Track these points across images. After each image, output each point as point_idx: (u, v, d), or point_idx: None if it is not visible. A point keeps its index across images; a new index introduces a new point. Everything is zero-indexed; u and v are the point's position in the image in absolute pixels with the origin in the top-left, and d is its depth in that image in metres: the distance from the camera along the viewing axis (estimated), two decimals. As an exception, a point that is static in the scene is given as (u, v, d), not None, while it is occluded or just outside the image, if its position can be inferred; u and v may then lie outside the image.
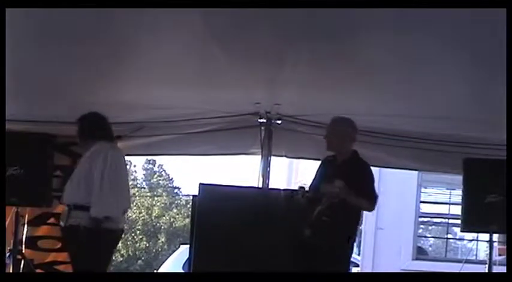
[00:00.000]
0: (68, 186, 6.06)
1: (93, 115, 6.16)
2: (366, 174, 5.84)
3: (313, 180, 6.15)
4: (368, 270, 11.92)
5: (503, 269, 5.61)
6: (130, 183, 29.13)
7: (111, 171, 5.85)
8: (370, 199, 5.78)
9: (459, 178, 7.41)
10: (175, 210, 28.24)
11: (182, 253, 10.38)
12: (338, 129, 5.95)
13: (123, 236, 6.34)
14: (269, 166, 7.56)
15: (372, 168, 5.97)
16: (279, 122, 7.27)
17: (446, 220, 19.32)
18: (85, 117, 6.15)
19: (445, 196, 17.82)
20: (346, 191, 5.61)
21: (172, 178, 30.62)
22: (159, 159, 29.24)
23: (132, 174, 28.53)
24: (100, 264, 5.77)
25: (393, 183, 13.55)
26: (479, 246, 15.00)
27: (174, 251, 12.71)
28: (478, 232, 9.44)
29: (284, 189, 7.88)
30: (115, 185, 5.85)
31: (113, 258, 5.99)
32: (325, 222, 5.66)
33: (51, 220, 7.22)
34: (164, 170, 29.94)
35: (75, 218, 5.81)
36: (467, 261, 10.90)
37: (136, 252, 26.46)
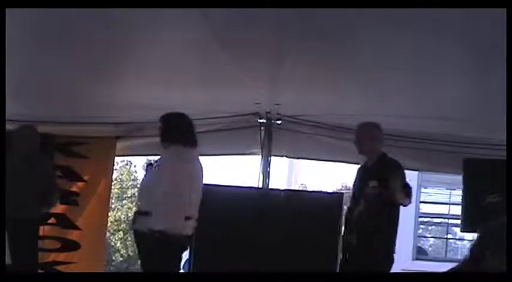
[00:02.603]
0: (138, 191, 5.90)
1: (175, 116, 5.79)
2: (397, 171, 5.87)
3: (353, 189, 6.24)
4: (368, 270, 11.91)
5: (503, 269, 5.60)
6: (130, 183, 28.62)
7: (175, 185, 5.53)
8: (405, 192, 5.83)
9: (459, 178, 7.41)
10: (175, 210, 28.21)
11: (182, 253, 10.36)
12: (364, 133, 6.02)
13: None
14: (269, 166, 7.57)
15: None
16: (279, 122, 7.27)
17: (446, 220, 19.33)
18: (166, 117, 5.78)
19: (445, 196, 17.83)
20: (380, 189, 5.68)
21: (172, 178, 30.51)
22: (160, 159, 29.18)
23: (132, 174, 28.48)
24: (164, 268, 5.53)
25: (393, 183, 13.51)
26: (479, 246, 14.96)
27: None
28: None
29: (284, 190, 7.90)
30: (177, 194, 5.51)
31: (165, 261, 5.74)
32: (366, 225, 5.72)
33: (51, 220, 7.21)
34: (164, 170, 29.88)
35: (139, 223, 5.64)
36: (468, 261, 10.86)
37: (137, 252, 26.43)
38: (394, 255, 6.02)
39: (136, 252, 5.96)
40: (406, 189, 5.86)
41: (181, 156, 5.65)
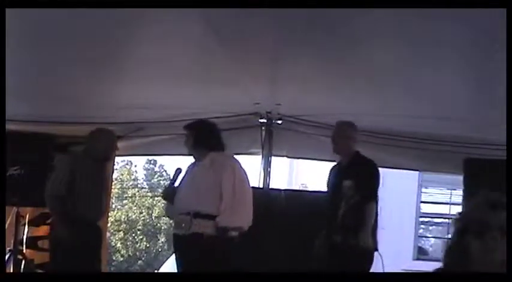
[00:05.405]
0: (184, 194, 5.85)
1: (204, 124, 6.02)
2: (368, 172, 5.97)
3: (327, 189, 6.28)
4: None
5: (503, 269, 5.60)
6: (130, 183, 28.59)
7: (241, 182, 5.78)
8: (370, 196, 5.90)
9: (460, 178, 7.41)
10: (175, 211, 28.29)
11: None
12: (340, 132, 6.12)
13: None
14: (269, 166, 7.57)
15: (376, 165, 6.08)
16: (280, 122, 7.28)
17: (447, 220, 19.31)
18: (196, 125, 5.99)
19: (446, 196, 17.82)
20: (356, 189, 5.79)
21: (172, 178, 30.47)
22: (160, 159, 29.24)
23: (132, 174, 28.51)
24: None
25: (394, 183, 13.55)
26: (479, 246, 14.96)
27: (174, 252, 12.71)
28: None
29: (284, 189, 7.90)
30: (244, 196, 5.76)
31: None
32: (351, 224, 5.77)
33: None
34: (165, 170, 29.90)
35: (198, 226, 5.65)
36: (468, 261, 10.87)
37: (137, 253, 26.46)
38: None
39: (180, 255, 5.96)
40: (371, 192, 5.92)
41: (236, 162, 5.90)
